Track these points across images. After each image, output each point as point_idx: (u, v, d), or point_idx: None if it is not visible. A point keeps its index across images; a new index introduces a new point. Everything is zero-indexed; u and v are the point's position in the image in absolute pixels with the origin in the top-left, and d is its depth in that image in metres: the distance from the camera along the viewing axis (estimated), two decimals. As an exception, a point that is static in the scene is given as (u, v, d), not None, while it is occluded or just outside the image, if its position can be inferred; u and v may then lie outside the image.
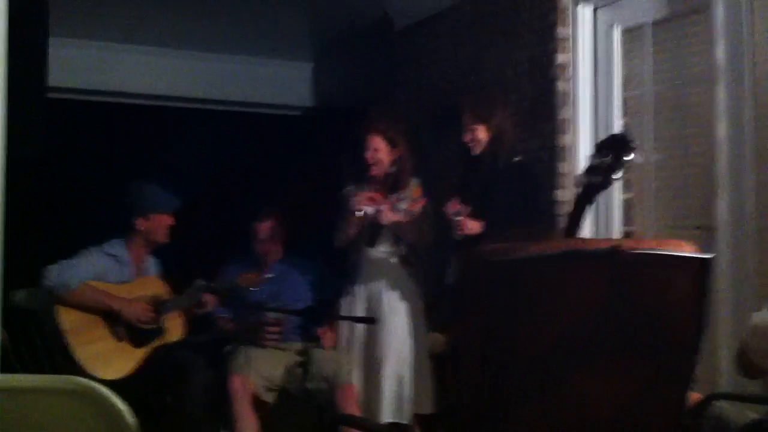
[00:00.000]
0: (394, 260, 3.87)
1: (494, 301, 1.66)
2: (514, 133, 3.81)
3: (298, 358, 3.42)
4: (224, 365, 3.78)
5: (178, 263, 3.97)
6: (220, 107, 6.64)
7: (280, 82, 6.68)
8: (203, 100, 6.52)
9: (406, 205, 3.78)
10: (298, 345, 3.64)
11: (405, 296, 3.82)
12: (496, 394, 1.69)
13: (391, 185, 3.79)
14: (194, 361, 3.63)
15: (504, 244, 1.66)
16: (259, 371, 3.72)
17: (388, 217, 3.70)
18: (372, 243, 3.76)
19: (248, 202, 4.42)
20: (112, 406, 1.32)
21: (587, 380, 1.73)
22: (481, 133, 3.70)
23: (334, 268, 4.23)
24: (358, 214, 3.66)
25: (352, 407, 3.63)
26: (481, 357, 1.70)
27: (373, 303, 3.83)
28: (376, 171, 3.79)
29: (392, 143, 3.81)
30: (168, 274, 3.95)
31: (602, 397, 1.76)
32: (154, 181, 3.90)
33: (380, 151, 3.78)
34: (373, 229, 3.74)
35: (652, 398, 1.82)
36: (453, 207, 3.58)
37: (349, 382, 3.70)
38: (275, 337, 3.87)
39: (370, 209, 3.69)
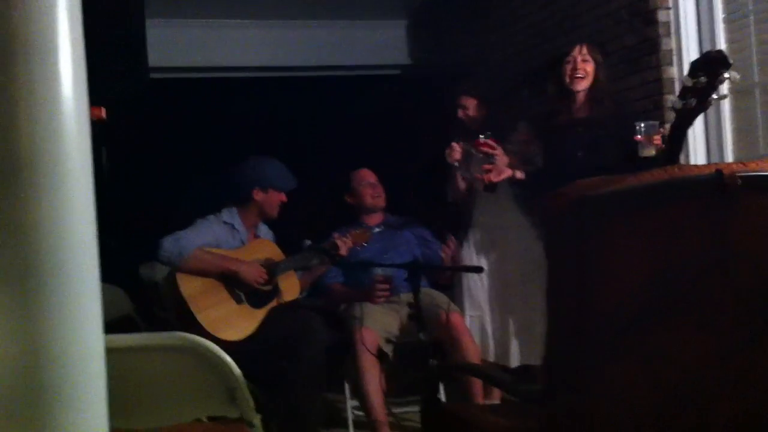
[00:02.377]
0: (511, 203, 3.95)
1: (585, 245, 1.51)
2: (609, 85, 3.77)
3: (410, 311, 3.46)
4: (343, 323, 3.87)
5: (289, 231, 4.07)
6: (319, 73, 6.71)
7: (376, 43, 6.67)
8: (302, 68, 6.60)
9: (517, 147, 3.88)
10: (408, 297, 3.68)
11: (526, 238, 3.85)
12: (589, 349, 1.56)
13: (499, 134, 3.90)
14: (313, 320, 3.71)
15: (595, 179, 1.56)
16: (377, 324, 3.81)
17: (504, 160, 3.78)
18: (491, 188, 3.83)
19: (352, 168, 4.45)
20: (219, 358, 1.37)
21: (689, 332, 1.58)
22: (590, 68, 3.66)
23: (439, 223, 4.30)
24: (485, 164, 3.77)
25: (461, 332, 3.75)
26: (571, 308, 1.56)
27: (494, 249, 3.98)
28: (469, 123, 4.00)
29: (482, 99, 4.04)
30: (280, 240, 4.06)
31: (705, 352, 1.60)
32: (265, 154, 3.99)
33: (470, 110, 4.04)
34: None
35: (759, 351, 1.65)
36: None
37: (451, 310, 3.81)
38: (386, 293, 3.93)
39: (484, 154, 3.80)
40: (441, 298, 3.97)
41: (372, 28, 6.64)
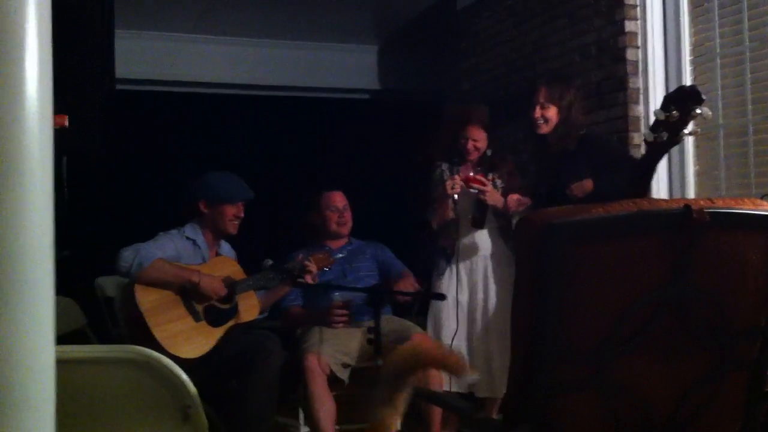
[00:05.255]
0: (494, 236, 3.98)
1: (550, 270, 1.50)
2: (581, 119, 3.78)
3: (369, 336, 3.43)
4: (298, 346, 3.83)
5: (251, 250, 4.01)
6: (287, 93, 6.70)
7: (347, 67, 6.69)
8: (270, 87, 6.58)
9: (503, 182, 3.94)
10: (369, 323, 3.65)
11: (506, 267, 3.89)
12: (545, 379, 1.55)
13: (490, 167, 3.94)
14: (270, 341, 3.65)
15: (565, 207, 1.56)
16: (333, 349, 3.76)
17: (495, 197, 3.82)
18: (479, 224, 3.89)
19: (318, 188, 4.42)
20: (174, 375, 1.33)
21: (649, 364, 1.59)
22: (551, 113, 3.69)
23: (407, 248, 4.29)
24: (474, 192, 3.83)
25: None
26: (531, 337, 1.54)
27: (474, 279, 3.97)
28: (474, 156, 3.98)
29: (487, 130, 4.00)
30: (241, 259, 4.00)
31: (664, 385, 1.61)
32: (226, 170, 3.93)
33: (479, 141, 3.98)
34: (479, 211, 3.87)
35: (716, 385, 1.67)
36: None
37: (421, 332, 3.81)
38: (344, 318, 3.90)
39: (474, 190, 3.83)
40: (404, 323, 3.95)
41: (343, 51, 6.65)
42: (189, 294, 3.59)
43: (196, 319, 3.61)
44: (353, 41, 6.61)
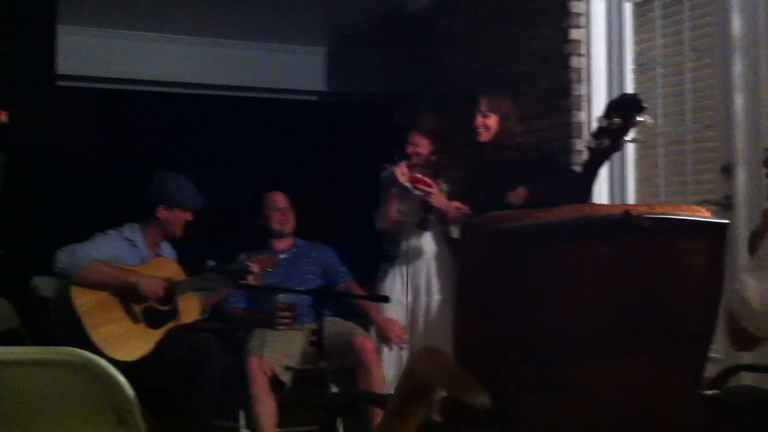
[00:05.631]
0: (438, 240, 3.98)
1: (495, 276, 1.52)
2: (518, 128, 3.85)
3: (312, 338, 3.43)
4: (240, 348, 3.79)
5: (194, 251, 3.97)
6: (234, 93, 6.63)
7: (294, 68, 6.65)
8: (216, 87, 6.51)
9: (448, 187, 3.93)
10: (312, 325, 3.64)
11: (450, 274, 3.89)
12: (494, 383, 1.49)
13: (434, 172, 3.94)
14: (211, 343, 3.61)
15: (510, 212, 1.58)
16: (276, 351, 3.74)
17: (440, 200, 3.83)
18: (424, 226, 3.91)
19: (263, 189, 4.40)
20: (110, 377, 1.29)
21: (597, 364, 1.62)
22: (492, 121, 3.76)
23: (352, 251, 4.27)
24: (417, 194, 3.83)
25: (371, 358, 3.71)
26: (478, 340, 1.56)
27: (418, 282, 3.96)
28: (416, 160, 3.97)
29: (433, 137, 4.00)
30: (183, 260, 3.95)
31: (612, 383, 1.64)
32: (169, 170, 3.89)
33: (421, 148, 3.99)
34: (424, 213, 3.88)
35: (665, 384, 1.71)
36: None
37: (364, 335, 3.80)
38: (287, 320, 3.89)
39: (420, 193, 3.83)
40: (349, 325, 3.94)
41: (290, 52, 6.61)
42: (127, 295, 3.52)
43: (135, 320, 3.54)
44: (302, 42, 6.58)
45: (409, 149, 4.00)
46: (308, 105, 6.87)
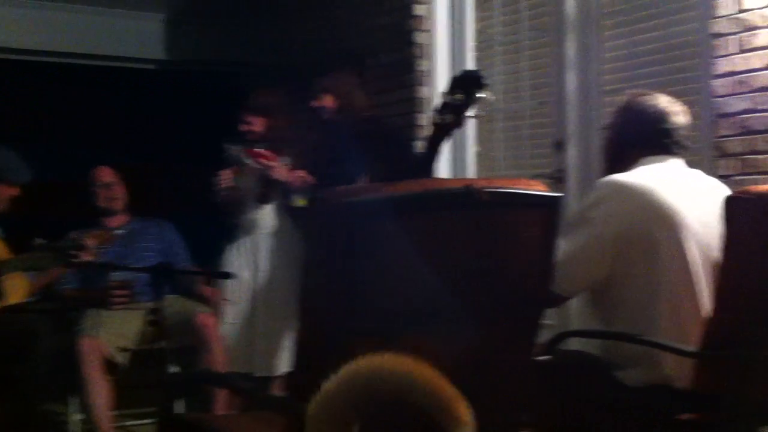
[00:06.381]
0: (279, 213, 3.93)
1: (341, 248, 1.55)
2: (363, 101, 3.83)
3: (151, 317, 3.31)
4: (72, 329, 3.61)
5: (21, 228, 3.73)
6: (66, 60, 6.25)
7: (131, 35, 6.34)
8: (46, 53, 6.11)
9: (291, 159, 3.87)
10: (149, 305, 3.51)
11: (292, 249, 3.84)
12: (333, 352, 1.55)
13: (274, 146, 3.90)
14: (40, 324, 3.45)
15: (355, 186, 1.59)
16: (110, 332, 3.60)
17: (281, 173, 3.78)
18: (265, 200, 3.87)
19: (96, 163, 4.17)
20: None
21: (444, 336, 1.64)
22: (328, 101, 3.75)
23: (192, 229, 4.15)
24: (257, 167, 3.81)
25: (212, 336, 3.63)
26: (321, 310, 1.58)
27: (259, 257, 3.91)
28: (252, 137, 3.91)
29: (265, 114, 3.93)
30: (10, 238, 3.71)
31: (459, 355, 1.64)
32: (6, 144, 3.66)
33: (254, 125, 3.92)
34: (265, 186, 3.84)
35: (502, 350, 1.77)
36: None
37: (206, 312, 3.72)
38: (123, 299, 3.75)
39: (261, 166, 3.80)
40: (190, 303, 3.84)
41: (128, 18, 6.30)
42: None
43: (-48, 300, 3.31)
44: (139, 8, 6.28)
45: (244, 128, 3.94)
46: (146, 73, 6.59)
